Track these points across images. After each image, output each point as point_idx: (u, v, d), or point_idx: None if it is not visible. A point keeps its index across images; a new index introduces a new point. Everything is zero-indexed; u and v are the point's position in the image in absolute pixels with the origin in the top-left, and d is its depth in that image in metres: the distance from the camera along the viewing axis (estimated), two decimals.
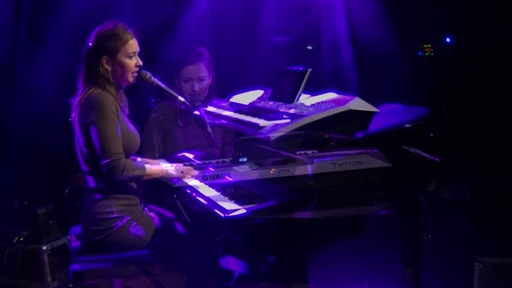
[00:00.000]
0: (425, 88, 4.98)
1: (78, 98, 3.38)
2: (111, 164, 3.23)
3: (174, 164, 3.48)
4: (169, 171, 3.36)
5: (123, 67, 3.39)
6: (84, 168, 3.40)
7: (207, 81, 4.03)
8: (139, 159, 3.70)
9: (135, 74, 3.45)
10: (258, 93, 4.34)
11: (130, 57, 3.39)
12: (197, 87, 3.97)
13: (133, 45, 3.40)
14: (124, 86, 3.47)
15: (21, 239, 4.62)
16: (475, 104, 4.82)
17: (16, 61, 5.37)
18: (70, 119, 3.42)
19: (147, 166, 3.38)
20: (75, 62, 3.46)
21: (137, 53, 3.43)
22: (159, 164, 3.60)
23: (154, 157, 3.95)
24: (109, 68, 3.37)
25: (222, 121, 3.94)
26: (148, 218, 3.48)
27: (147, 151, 4.02)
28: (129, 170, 3.27)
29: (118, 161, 3.24)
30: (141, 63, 3.45)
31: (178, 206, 3.31)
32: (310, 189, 3.19)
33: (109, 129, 3.25)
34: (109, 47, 3.34)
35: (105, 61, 3.35)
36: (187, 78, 3.97)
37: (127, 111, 3.49)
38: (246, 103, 4.22)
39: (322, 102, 3.77)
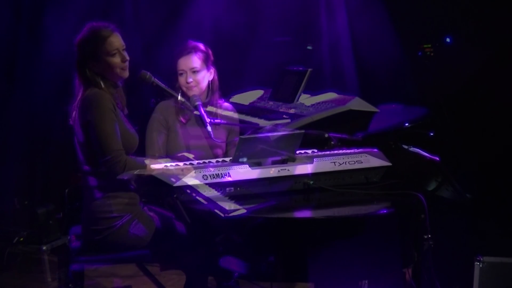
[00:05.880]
0: (425, 88, 4.98)
1: (76, 101, 3.38)
2: (112, 161, 3.22)
3: (174, 163, 3.48)
4: (169, 168, 3.36)
5: (108, 65, 3.35)
6: (85, 168, 3.39)
7: (202, 74, 3.94)
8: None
9: (125, 68, 3.40)
10: (258, 93, 4.35)
11: (113, 55, 3.35)
12: (190, 79, 3.90)
13: (113, 42, 3.35)
14: (121, 84, 3.46)
15: (21, 239, 4.63)
16: (475, 104, 4.81)
17: (16, 61, 5.37)
18: (70, 123, 3.41)
19: (147, 162, 3.37)
20: (75, 62, 3.45)
21: (121, 49, 3.38)
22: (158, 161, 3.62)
23: (154, 158, 3.94)
24: (97, 70, 3.35)
25: (222, 121, 3.94)
26: (148, 217, 3.47)
27: (147, 151, 4.01)
28: (130, 166, 3.26)
29: (119, 157, 3.23)
30: (127, 57, 3.39)
31: (178, 206, 3.30)
32: (310, 189, 3.19)
33: (107, 126, 3.24)
34: (89, 51, 3.32)
35: (91, 65, 3.34)
36: (181, 71, 3.92)
37: (125, 110, 3.48)
38: (246, 103, 4.23)
39: (322, 102, 3.78)
